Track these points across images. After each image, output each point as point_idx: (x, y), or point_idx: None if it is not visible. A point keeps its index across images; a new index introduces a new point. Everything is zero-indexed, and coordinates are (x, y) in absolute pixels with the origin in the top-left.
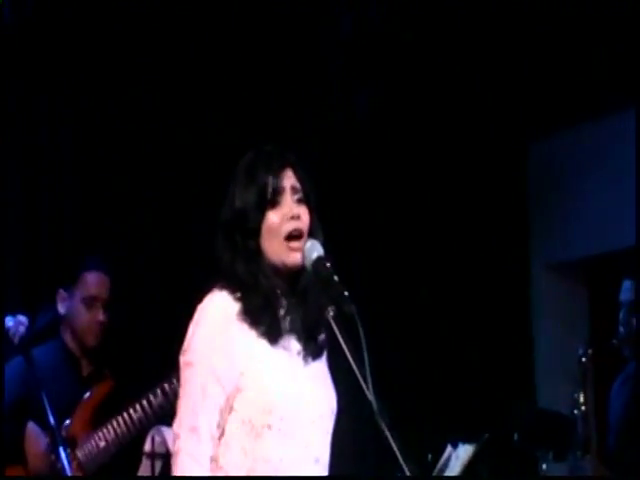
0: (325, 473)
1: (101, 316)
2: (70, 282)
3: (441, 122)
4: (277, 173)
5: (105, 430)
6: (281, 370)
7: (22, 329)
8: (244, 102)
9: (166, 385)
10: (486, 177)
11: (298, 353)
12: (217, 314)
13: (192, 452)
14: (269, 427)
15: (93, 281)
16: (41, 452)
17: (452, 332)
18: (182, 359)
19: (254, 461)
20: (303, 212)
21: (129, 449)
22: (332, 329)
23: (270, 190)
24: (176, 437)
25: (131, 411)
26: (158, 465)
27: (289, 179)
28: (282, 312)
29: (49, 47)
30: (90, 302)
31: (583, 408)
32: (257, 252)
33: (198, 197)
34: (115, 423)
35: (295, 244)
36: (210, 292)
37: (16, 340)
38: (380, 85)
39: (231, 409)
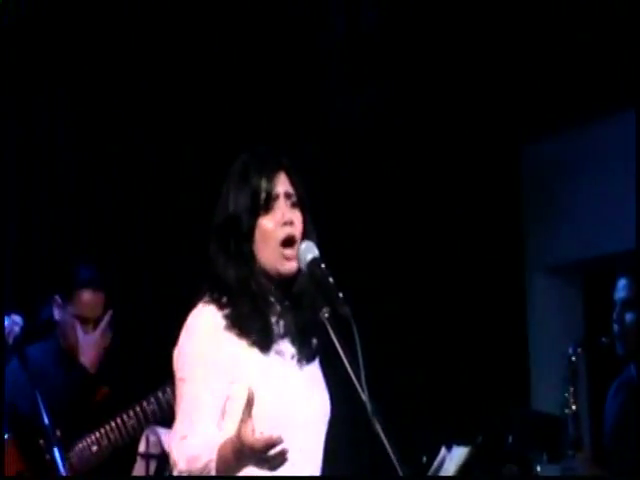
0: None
1: (92, 333)
2: (65, 290)
3: (435, 124)
4: (270, 177)
5: (98, 434)
6: (273, 377)
7: (17, 329)
8: (238, 104)
9: (160, 393)
10: (480, 180)
11: (292, 357)
12: (204, 327)
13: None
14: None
15: (87, 300)
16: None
17: (447, 334)
18: (176, 375)
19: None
20: (296, 217)
21: (124, 449)
22: (326, 331)
23: (263, 195)
24: (170, 451)
25: (125, 417)
26: (152, 465)
27: (283, 183)
28: (275, 317)
29: (48, 47)
30: (83, 321)
31: (574, 407)
32: (250, 257)
33: (194, 201)
34: (108, 428)
35: (289, 252)
36: (196, 306)
37: (10, 340)
38: (374, 86)
39: (224, 415)
